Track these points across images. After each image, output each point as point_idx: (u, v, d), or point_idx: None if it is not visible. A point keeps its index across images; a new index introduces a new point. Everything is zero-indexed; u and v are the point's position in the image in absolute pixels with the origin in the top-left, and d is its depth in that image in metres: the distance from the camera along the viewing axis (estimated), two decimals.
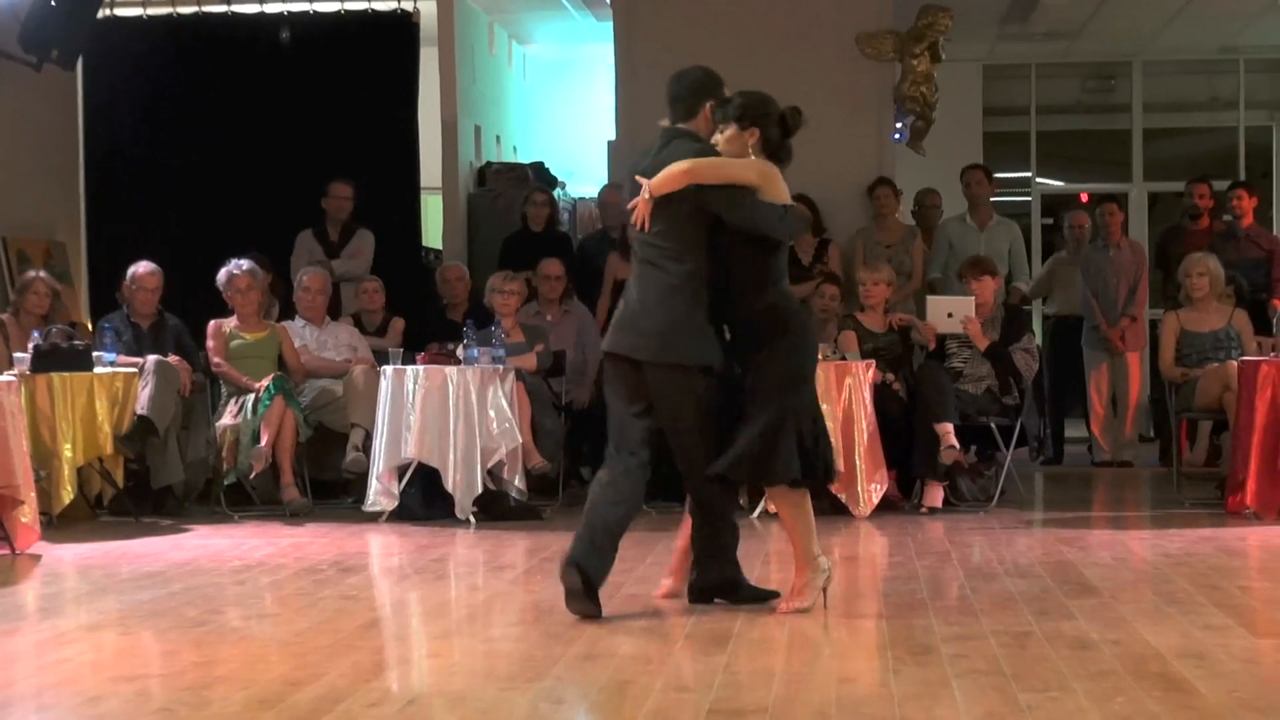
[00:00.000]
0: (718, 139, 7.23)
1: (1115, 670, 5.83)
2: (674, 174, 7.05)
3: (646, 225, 7.14)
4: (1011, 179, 18.61)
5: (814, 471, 7.26)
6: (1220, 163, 18.60)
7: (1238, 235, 13.81)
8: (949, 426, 10.89)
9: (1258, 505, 10.45)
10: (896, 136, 13.98)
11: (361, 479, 11.22)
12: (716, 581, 7.45)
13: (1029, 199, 18.88)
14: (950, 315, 11.35)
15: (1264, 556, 9.18)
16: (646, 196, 7.10)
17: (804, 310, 7.53)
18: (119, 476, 11.04)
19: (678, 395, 7.14)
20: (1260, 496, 10.45)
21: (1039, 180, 19.18)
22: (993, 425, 11.30)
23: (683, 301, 7.11)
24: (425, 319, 12.80)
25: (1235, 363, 11.15)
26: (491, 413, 10.76)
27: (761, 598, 7.41)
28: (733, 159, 7.18)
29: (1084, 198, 18.94)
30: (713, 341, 7.17)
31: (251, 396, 11.27)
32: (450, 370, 10.81)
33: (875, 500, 10.87)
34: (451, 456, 10.72)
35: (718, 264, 7.15)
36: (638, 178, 7.19)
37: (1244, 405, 10.69)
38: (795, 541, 7.37)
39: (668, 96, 7.36)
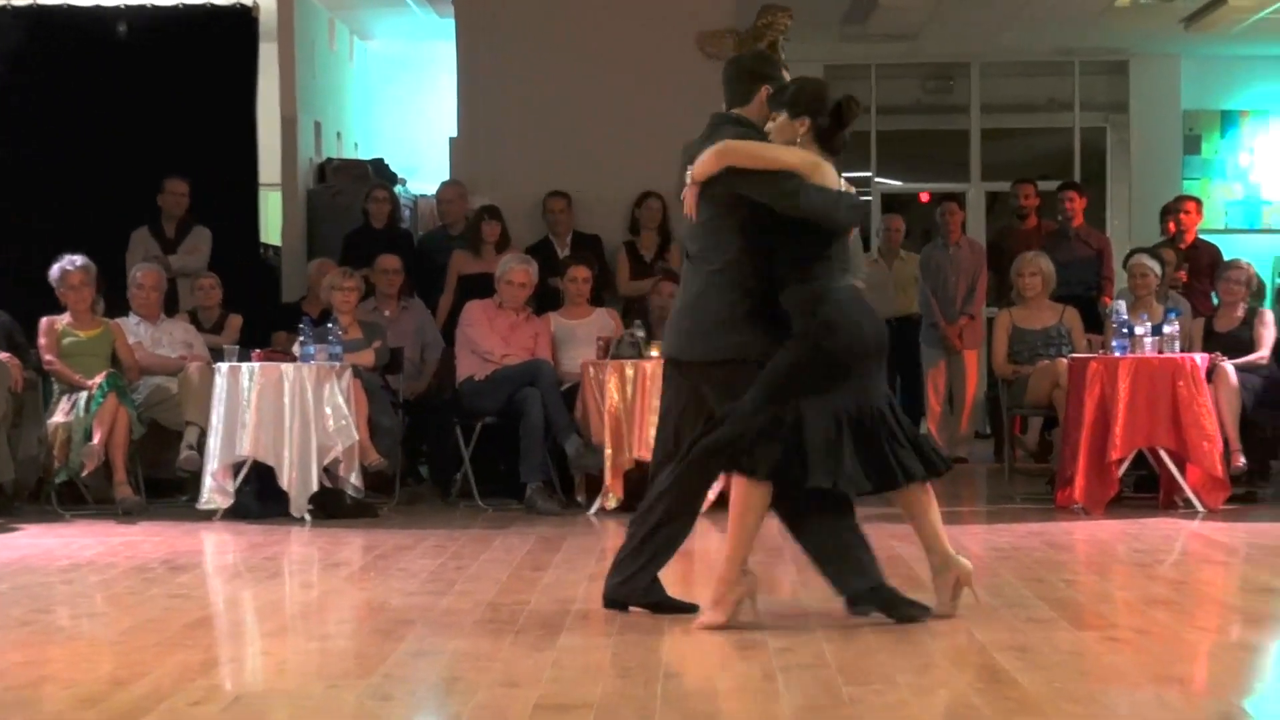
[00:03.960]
0: (769, 126, 6.90)
1: (939, 663, 5.91)
2: (708, 156, 6.73)
3: (694, 214, 6.83)
4: (852, 179, 18.66)
5: (787, 472, 6.65)
6: (1056, 163, 18.88)
7: (1069, 235, 14.03)
8: None
9: (1086, 500, 10.62)
10: None
11: (196, 477, 11.13)
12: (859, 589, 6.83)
13: (869, 199, 19.03)
14: None
15: (1090, 551, 9.33)
16: (688, 181, 6.82)
17: (834, 309, 6.73)
18: None
19: (728, 391, 6.77)
20: (1088, 492, 10.63)
21: (879, 180, 19.35)
22: None
23: (721, 294, 6.81)
24: (264, 315, 12.73)
25: (1065, 360, 11.34)
26: (328, 410, 10.71)
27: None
28: (773, 144, 6.82)
29: (924, 197, 19.17)
30: (762, 333, 6.76)
31: (84, 394, 11.16)
32: (286, 367, 10.75)
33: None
34: (287, 454, 10.66)
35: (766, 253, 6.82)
36: (689, 169, 6.86)
37: (1073, 402, 10.87)
38: (728, 542, 6.87)
39: (723, 80, 7.13)
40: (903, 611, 6.68)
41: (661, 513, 7.01)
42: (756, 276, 6.79)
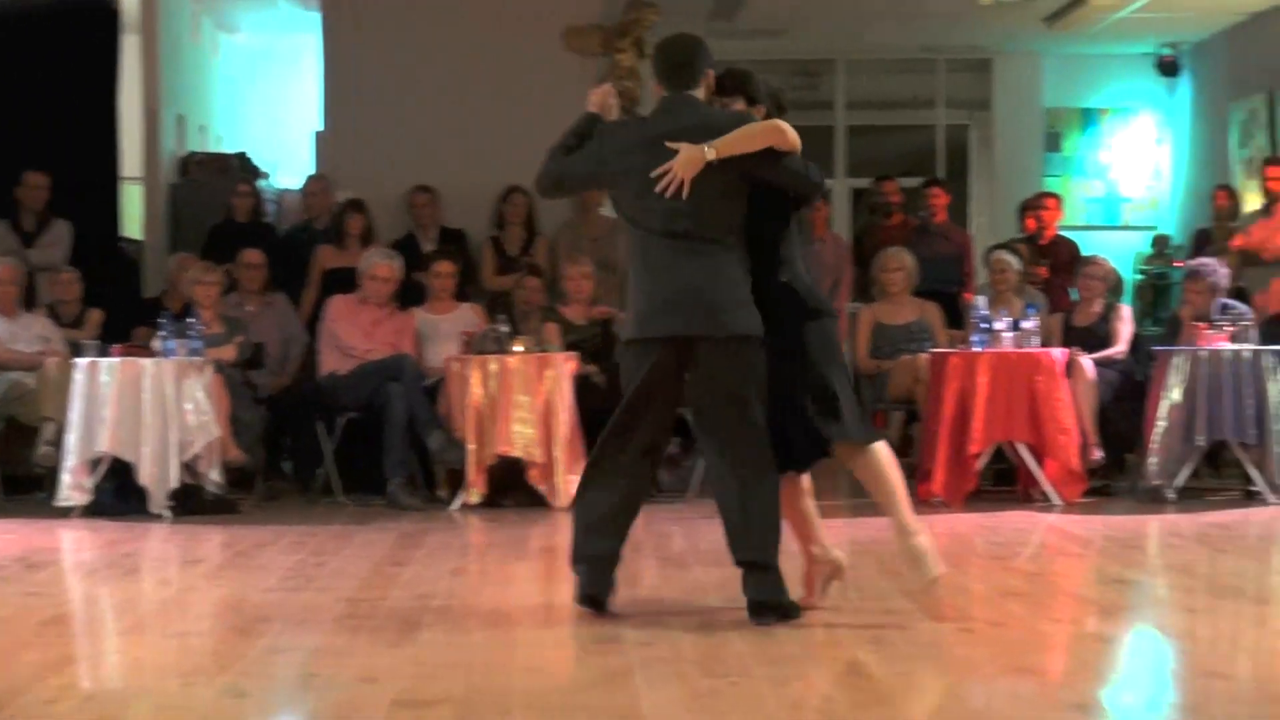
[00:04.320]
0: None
1: (796, 655, 5.94)
2: (745, 136, 6.69)
3: (686, 192, 6.70)
4: None
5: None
6: (920, 160, 19.03)
7: (931, 231, 14.13)
8: None
9: (945, 494, 10.72)
10: None
11: (53, 473, 10.99)
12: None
13: None
14: None
15: (948, 543, 9.36)
16: (712, 158, 6.65)
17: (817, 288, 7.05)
18: None
19: (741, 368, 6.71)
20: (948, 485, 10.73)
21: None
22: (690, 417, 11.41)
23: (737, 271, 6.76)
24: (124, 310, 12.59)
25: (926, 355, 11.44)
26: (188, 405, 10.62)
27: None
28: (782, 123, 6.82)
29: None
30: (758, 314, 6.78)
31: None
32: (146, 362, 10.65)
33: (574, 491, 10.90)
34: (146, 450, 10.56)
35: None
36: (671, 144, 6.70)
37: (933, 396, 10.97)
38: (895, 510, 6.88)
39: (664, 63, 6.93)
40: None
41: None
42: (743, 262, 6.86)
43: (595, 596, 6.83)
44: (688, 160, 6.67)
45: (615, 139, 6.90)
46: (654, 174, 6.70)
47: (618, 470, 6.88)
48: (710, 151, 6.66)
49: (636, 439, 6.86)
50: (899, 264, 12.35)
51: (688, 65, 6.89)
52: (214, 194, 14.36)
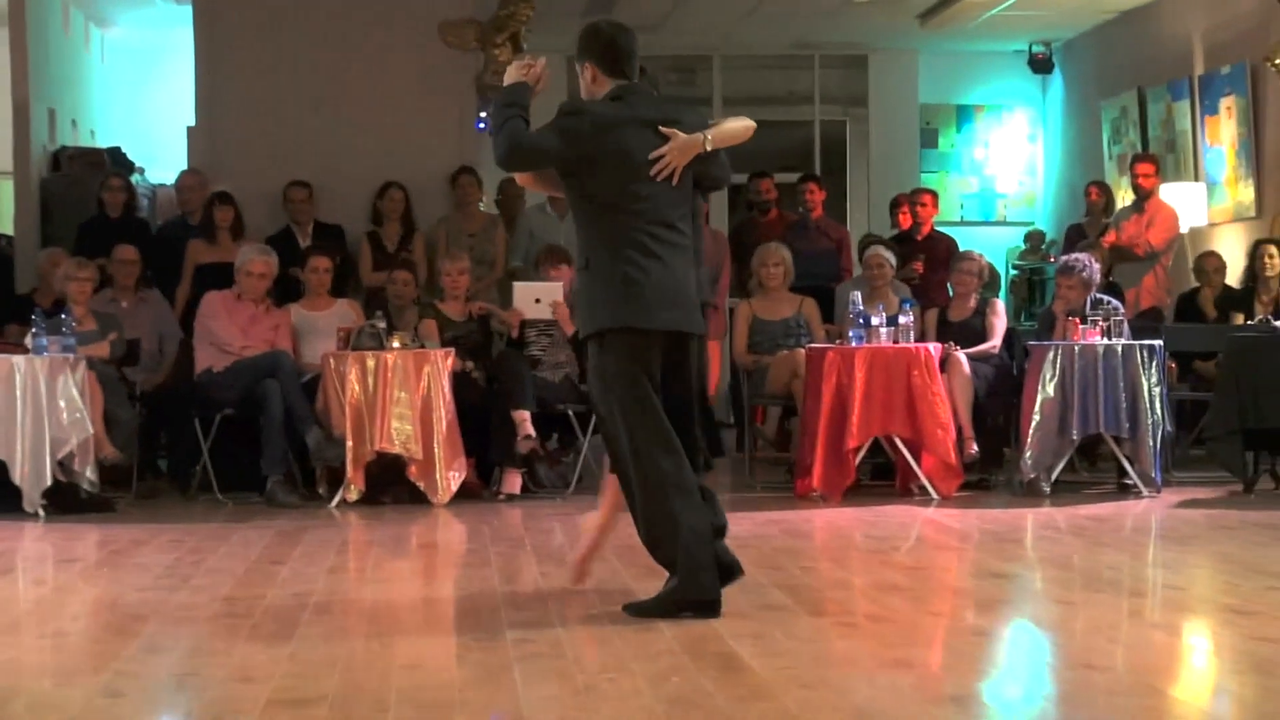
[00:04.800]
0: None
1: (674, 650, 5.94)
2: (743, 128, 6.96)
3: (677, 180, 6.73)
4: None
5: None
6: (797, 155, 19.09)
7: (808, 226, 14.20)
8: (526, 414, 10.98)
9: (824, 488, 10.77)
10: (480, 126, 14.00)
11: None
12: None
13: None
14: (538, 301, 11.44)
15: (827, 538, 9.46)
16: (709, 148, 6.73)
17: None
18: None
19: (698, 364, 6.87)
20: (826, 480, 10.78)
21: None
22: (570, 412, 11.44)
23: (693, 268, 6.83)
24: None
25: (803, 350, 11.48)
26: (61, 403, 10.50)
27: None
28: None
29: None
30: None
31: None
32: (18, 359, 10.51)
33: (454, 487, 10.91)
34: (19, 448, 10.42)
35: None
36: (666, 130, 6.70)
37: (811, 391, 11.01)
38: None
39: (617, 51, 6.87)
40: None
41: None
42: None
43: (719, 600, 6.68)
44: (685, 147, 6.69)
45: (594, 119, 6.74)
46: (652, 157, 6.68)
47: (691, 485, 6.71)
48: (708, 141, 6.72)
49: (674, 440, 6.67)
50: (778, 259, 12.39)
51: (635, 55, 6.91)
52: (86, 189, 14.17)
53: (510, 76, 6.82)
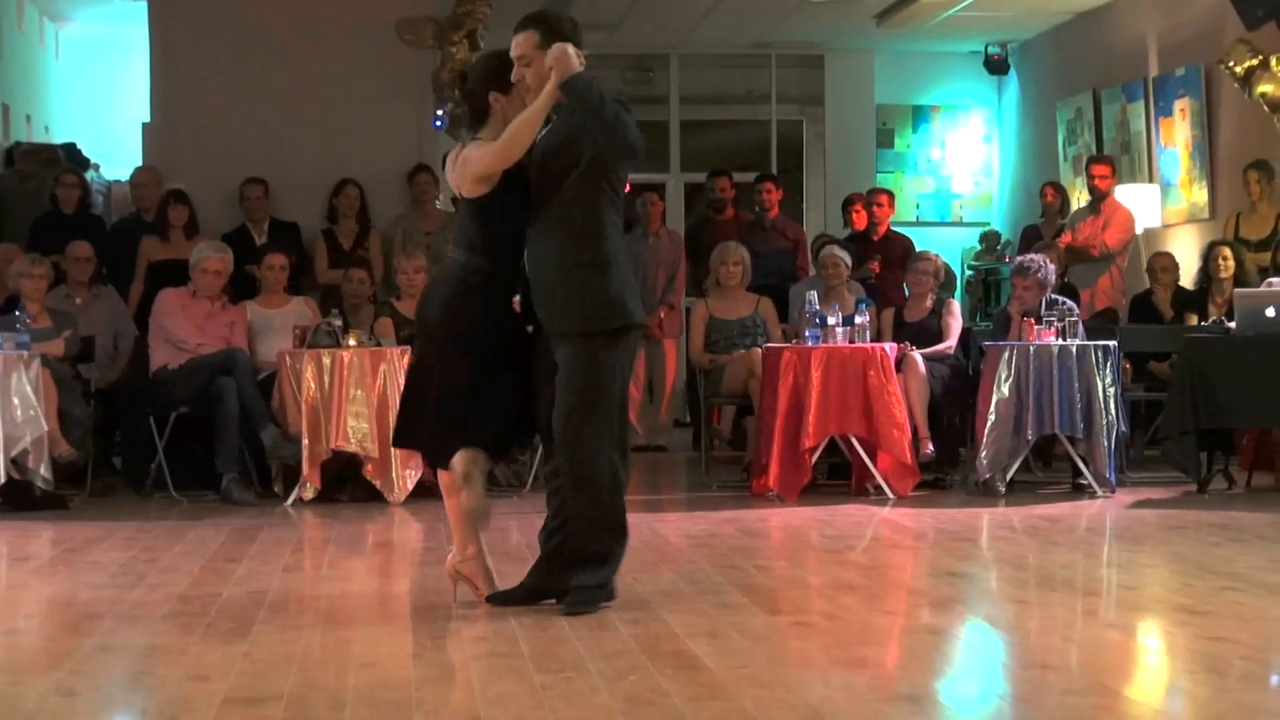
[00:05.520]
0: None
1: (630, 649, 5.94)
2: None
3: None
4: None
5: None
6: (753, 155, 19.10)
7: (765, 226, 14.23)
8: None
9: (780, 487, 10.78)
10: (437, 124, 14.00)
11: None
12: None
13: None
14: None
15: (783, 537, 9.48)
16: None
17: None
18: None
19: None
20: (782, 479, 10.79)
21: None
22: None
23: None
24: None
25: (760, 350, 11.50)
26: (15, 400, 10.44)
27: None
28: None
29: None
30: None
31: None
32: None
33: (410, 486, 10.89)
34: None
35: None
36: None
37: (767, 391, 11.02)
38: None
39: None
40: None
41: None
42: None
43: None
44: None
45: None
46: None
47: None
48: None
49: None
50: (738, 259, 12.42)
51: None
52: (40, 185, 14.13)
53: (573, 64, 6.61)
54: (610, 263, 6.74)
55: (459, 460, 6.76)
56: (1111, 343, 11.09)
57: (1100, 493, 10.85)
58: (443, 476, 6.90)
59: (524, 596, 6.83)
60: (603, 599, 6.72)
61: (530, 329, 6.88)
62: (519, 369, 6.84)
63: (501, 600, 6.83)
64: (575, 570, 6.72)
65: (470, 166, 6.73)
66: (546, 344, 6.79)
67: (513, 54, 6.74)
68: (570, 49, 6.60)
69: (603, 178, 6.74)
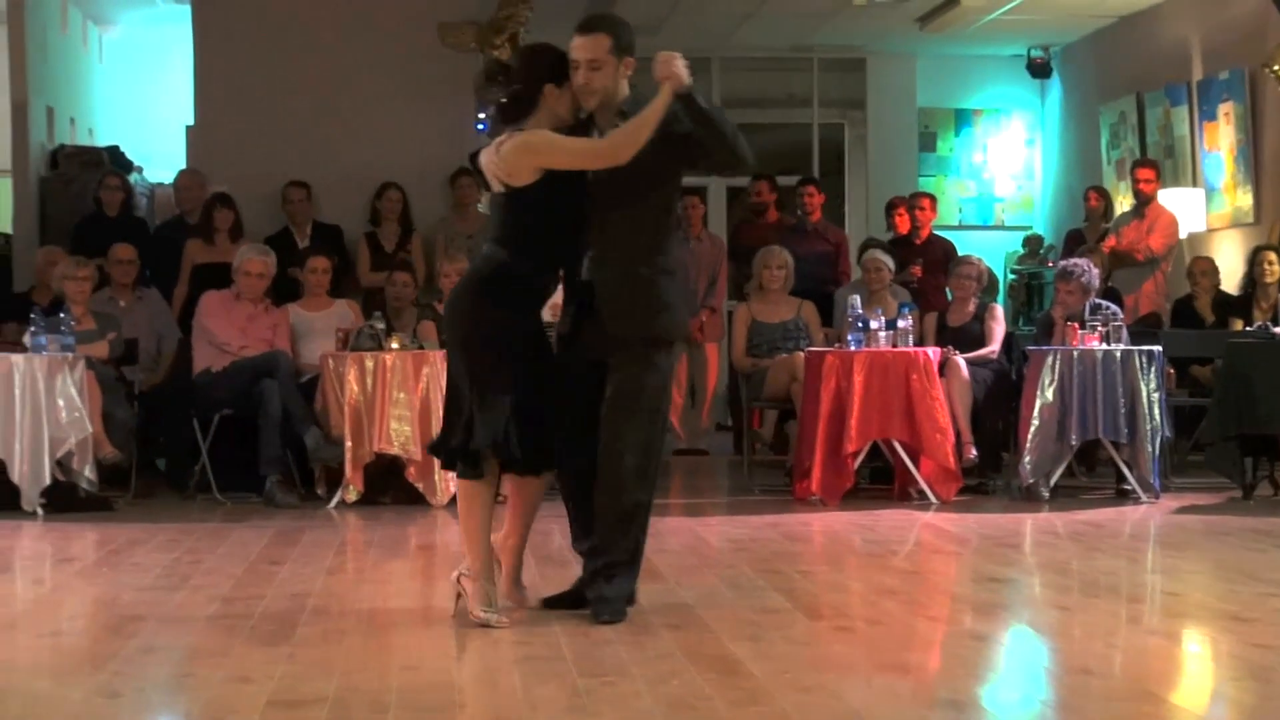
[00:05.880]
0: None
1: (672, 653, 5.94)
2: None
3: None
4: None
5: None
6: (795, 158, 19.08)
7: (806, 230, 14.19)
8: None
9: (822, 492, 10.76)
10: (480, 126, 14.01)
11: None
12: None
13: None
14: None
15: (825, 542, 9.45)
16: None
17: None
18: None
19: None
20: (824, 483, 10.77)
21: None
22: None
23: None
24: None
25: (802, 353, 11.48)
26: (60, 402, 10.49)
27: None
28: None
29: None
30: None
31: None
32: (16, 358, 10.51)
33: (453, 489, 10.82)
34: (18, 447, 10.42)
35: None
36: None
37: (809, 395, 11.00)
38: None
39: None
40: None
41: None
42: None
43: None
44: None
45: None
46: None
47: None
48: None
49: None
50: (781, 262, 12.41)
51: None
52: (84, 187, 14.18)
53: (685, 76, 6.58)
54: (676, 271, 6.74)
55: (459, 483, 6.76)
56: (1156, 348, 11.05)
57: (1144, 498, 10.81)
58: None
59: (574, 601, 6.82)
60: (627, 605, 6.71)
61: (557, 335, 6.87)
62: (538, 378, 6.67)
63: (554, 603, 6.84)
64: (598, 581, 6.71)
65: (552, 154, 6.56)
66: (578, 354, 6.76)
67: (579, 55, 6.63)
68: (681, 59, 6.57)
69: (678, 188, 6.75)
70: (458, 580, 6.73)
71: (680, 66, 6.54)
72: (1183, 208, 14.51)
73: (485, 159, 6.69)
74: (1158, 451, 10.90)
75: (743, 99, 19.50)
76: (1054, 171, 18.99)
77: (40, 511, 10.40)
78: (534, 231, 6.64)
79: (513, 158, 6.56)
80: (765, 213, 14.71)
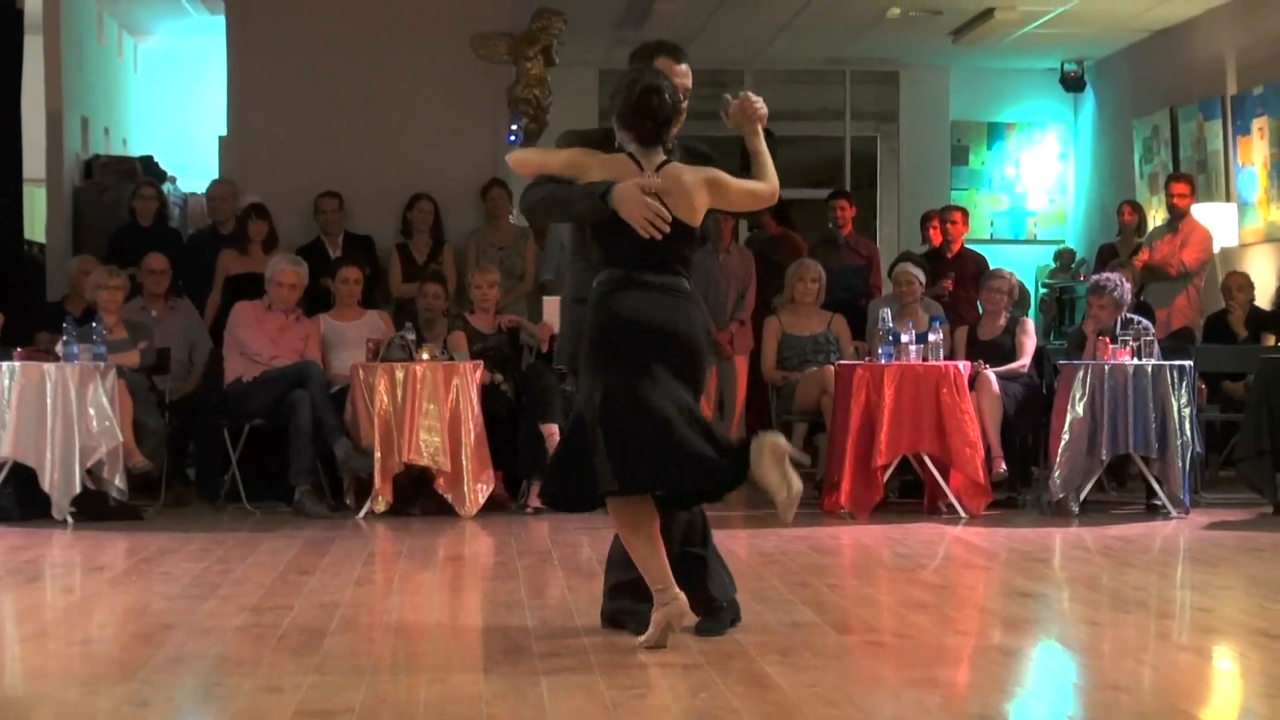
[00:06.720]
0: None
1: (701, 666, 5.94)
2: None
3: None
4: None
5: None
6: (827, 171, 19.08)
7: (838, 243, 14.17)
8: (554, 427, 10.97)
9: (852, 505, 10.75)
10: (511, 139, 14.01)
11: None
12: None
13: None
14: None
15: (854, 555, 9.44)
16: None
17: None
18: None
19: None
20: (854, 497, 10.76)
21: None
22: None
23: None
24: (27, 314, 12.47)
25: (832, 367, 11.47)
26: (91, 410, 10.53)
27: None
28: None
29: None
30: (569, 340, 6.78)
31: None
32: (48, 367, 10.56)
33: (481, 500, 10.92)
34: (49, 455, 10.47)
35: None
36: None
37: (839, 408, 11.00)
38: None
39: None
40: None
41: None
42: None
43: None
44: None
45: None
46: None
47: None
48: None
49: None
50: (815, 275, 12.41)
51: None
52: (118, 197, 14.24)
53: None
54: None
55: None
56: (1187, 363, 11.02)
57: (1175, 514, 10.78)
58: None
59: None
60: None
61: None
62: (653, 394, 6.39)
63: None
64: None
65: (727, 193, 6.82)
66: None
67: (682, 82, 6.80)
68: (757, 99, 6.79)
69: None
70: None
71: (763, 106, 6.82)
72: (1216, 222, 14.47)
73: (643, 185, 6.60)
74: (1188, 467, 10.86)
75: (776, 112, 19.37)
76: (1086, 185, 18.95)
77: (70, 520, 10.44)
78: (693, 263, 6.75)
79: (700, 196, 6.77)
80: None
